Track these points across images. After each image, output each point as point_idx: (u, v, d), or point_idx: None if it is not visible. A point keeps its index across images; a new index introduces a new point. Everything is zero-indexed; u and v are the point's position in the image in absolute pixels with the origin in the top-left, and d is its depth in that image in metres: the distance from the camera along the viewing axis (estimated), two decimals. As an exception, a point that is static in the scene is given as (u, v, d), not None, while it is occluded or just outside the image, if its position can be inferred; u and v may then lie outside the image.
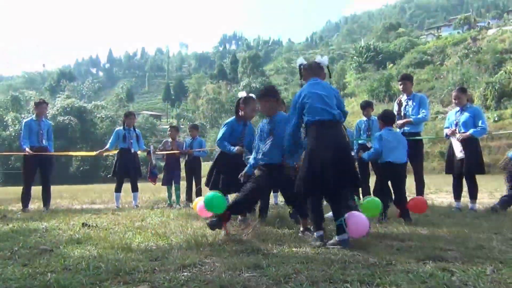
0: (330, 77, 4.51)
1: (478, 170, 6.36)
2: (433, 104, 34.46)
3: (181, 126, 62.72)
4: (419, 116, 6.99)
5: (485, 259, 3.15)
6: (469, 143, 6.28)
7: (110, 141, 8.83)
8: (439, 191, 10.98)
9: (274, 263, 3.08)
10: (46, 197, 8.21)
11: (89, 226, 5.22)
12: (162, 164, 9.97)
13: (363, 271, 2.82)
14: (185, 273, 2.89)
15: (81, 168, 48.75)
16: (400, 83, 7.34)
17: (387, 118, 5.68)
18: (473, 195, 6.37)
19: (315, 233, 4.03)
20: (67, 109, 53.66)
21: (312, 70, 4.32)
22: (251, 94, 5.66)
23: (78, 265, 3.08)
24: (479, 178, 6.57)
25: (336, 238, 3.83)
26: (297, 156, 4.45)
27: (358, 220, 3.92)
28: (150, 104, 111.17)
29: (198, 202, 5.45)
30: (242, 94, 5.70)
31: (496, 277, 2.65)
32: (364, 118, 7.83)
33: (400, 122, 7.02)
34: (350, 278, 2.66)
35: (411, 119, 6.98)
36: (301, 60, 4.50)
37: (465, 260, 3.14)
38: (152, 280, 2.69)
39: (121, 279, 2.71)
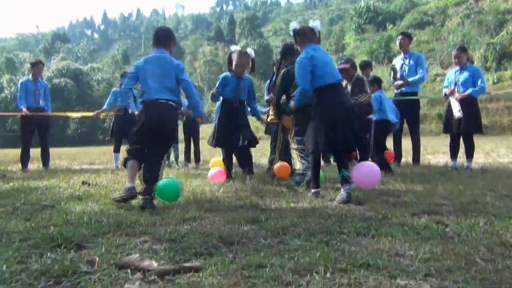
0: (319, 42, 4.48)
1: (475, 129, 6.39)
2: (432, 66, 34.15)
3: (178, 88, 62.11)
4: (416, 77, 6.97)
5: (479, 213, 3.23)
6: (468, 103, 6.28)
7: (107, 101, 8.80)
8: (436, 153, 11.05)
9: (272, 217, 3.15)
10: (45, 158, 8.25)
11: (89, 184, 5.28)
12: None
13: (359, 224, 2.89)
14: (186, 227, 2.96)
15: (79, 130, 48.67)
16: (399, 37, 7.28)
17: (380, 81, 6.45)
18: (469, 154, 6.42)
19: (312, 190, 4.19)
20: (63, 71, 52.97)
21: (306, 35, 4.37)
22: (244, 49, 5.62)
23: (80, 219, 3.14)
24: (476, 139, 6.61)
25: (341, 190, 3.98)
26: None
27: (368, 170, 4.36)
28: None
29: (212, 169, 5.70)
30: (236, 48, 5.65)
31: (489, 229, 2.72)
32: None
33: (398, 83, 7.00)
34: (347, 230, 2.73)
35: (408, 80, 6.96)
36: (294, 25, 4.49)
37: (459, 214, 3.21)
38: (153, 232, 2.75)
39: (123, 232, 2.77)
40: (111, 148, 9.65)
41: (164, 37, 4.20)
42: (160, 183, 3.90)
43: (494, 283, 1.77)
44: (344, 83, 5.41)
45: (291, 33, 4.48)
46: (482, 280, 1.80)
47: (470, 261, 2.06)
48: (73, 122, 48.47)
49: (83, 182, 5.39)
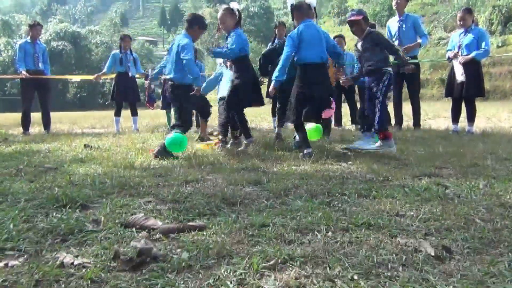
0: (316, 17, 4.70)
1: (478, 93, 6.35)
2: (436, 30, 33.58)
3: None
4: (421, 41, 6.84)
5: (479, 175, 3.25)
6: (471, 66, 6.20)
7: (106, 65, 8.71)
8: (437, 117, 11.04)
9: (274, 179, 3.18)
10: (46, 121, 8.26)
11: (91, 147, 5.31)
12: (159, 91, 9.94)
13: (360, 186, 2.92)
14: (188, 188, 2.99)
15: (79, 95, 48.49)
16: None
17: None
18: (471, 118, 6.41)
19: (305, 150, 4.43)
20: (61, 34, 52.26)
21: (302, 11, 4.57)
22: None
23: (84, 181, 3.17)
24: (478, 104, 6.58)
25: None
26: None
27: None
28: (145, 29, 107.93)
29: None
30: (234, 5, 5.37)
31: (488, 190, 2.75)
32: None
33: (410, 46, 6.82)
34: (348, 191, 2.76)
35: (419, 43, 6.84)
36: (291, 0, 4.66)
37: (459, 176, 3.24)
38: (156, 193, 2.79)
39: (127, 193, 2.81)
40: (112, 113, 9.64)
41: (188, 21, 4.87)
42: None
43: (492, 241, 1.81)
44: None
45: (289, 8, 4.67)
46: (481, 239, 1.83)
47: (470, 221, 2.09)
48: (73, 87, 48.23)
49: (85, 145, 5.41)
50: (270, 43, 8.35)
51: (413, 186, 2.90)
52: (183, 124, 4.75)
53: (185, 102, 4.79)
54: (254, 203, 2.56)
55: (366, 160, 4.03)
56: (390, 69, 4.48)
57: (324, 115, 4.63)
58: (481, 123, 8.42)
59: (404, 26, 6.93)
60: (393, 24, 7.20)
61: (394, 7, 7.23)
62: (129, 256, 1.64)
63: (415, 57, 7.11)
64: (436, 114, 11.83)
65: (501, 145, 5.02)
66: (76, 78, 31.86)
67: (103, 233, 1.99)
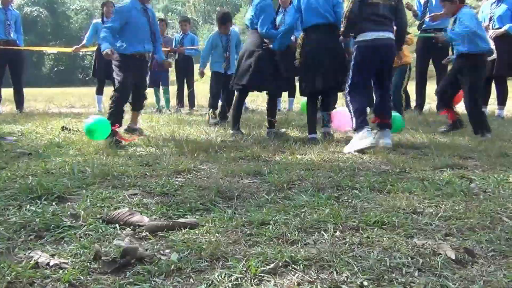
0: None
1: (510, 72, 6.32)
2: (465, -3, 33.24)
3: (169, 21, 61.01)
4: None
5: (508, 167, 3.27)
6: (503, 41, 6.16)
7: (87, 35, 8.65)
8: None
9: (276, 170, 3.20)
10: (18, 99, 8.23)
11: (69, 130, 5.31)
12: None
13: (374, 178, 2.94)
14: (179, 179, 3.01)
15: (56, 69, 48.32)
16: None
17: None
18: (502, 100, 6.41)
19: (308, 135, 4.73)
20: (35, -2, 51.85)
21: None
22: None
23: (61, 169, 3.19)
24: (510, 83, 6.56)
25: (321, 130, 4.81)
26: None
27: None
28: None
29: None
30: None
31: (519, 185, 2.77)
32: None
33: (437, 14, 6.71)
34: (359, 184, 2.78)
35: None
36: None
37: (486, 168, 3.26)
38: (143, 185, 2.80)
39: (110, 183, 2.82)
40: (93, 89, 9.61)
41: None
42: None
43: (521, 244, 1.83)
44: None
45: None
46: (508, 240, 1.85)
47: (496, 219, 2.11)
48: (49, 59, 47.98)
49: (62, 128, 5.42)
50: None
51: (434, 179, 2.92)
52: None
53: None
54: (253, 197, 2.58)
55: (379, 149, 4.03)
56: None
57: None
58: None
59: None
60: None
61: None
62: (111, 257, 1.66)
63: (445, 30, 7.04)
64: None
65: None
66: (53, 50, 31.67)
67: (83, 229, 2.00)
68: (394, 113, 4.66)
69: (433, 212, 2.22)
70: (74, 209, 2.27)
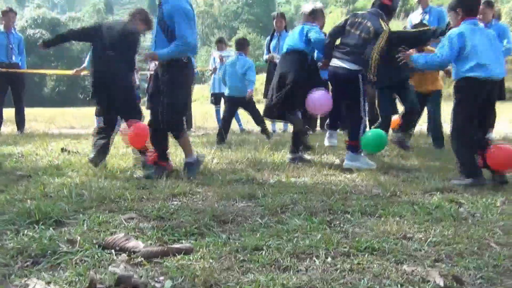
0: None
1: (498, 96, 6.36)
2: (454, 21, 33.64)
3: (168, 43, 61.34)
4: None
5: (497, 191, 3.28)
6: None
7: (87, 58, 8.69)
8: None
9: (270, 193, 3.20)
10: (19, 120, 8.23)
11: (68, 151, 5.31)
12: (146, 86, 9.91)
13: (365, 202, 2.94)
14: (175, 202, 3.01)
15: (57, 89, 48.37)
16: None
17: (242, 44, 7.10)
18: (490, 123, 6.44)
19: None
20: (38, 21, 52.18)
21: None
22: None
23: (59, 192, 3.18)
24: (498, 104, 6.59)
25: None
26: None
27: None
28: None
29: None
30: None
31: (507, 209, 2.77)
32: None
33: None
34: (351, 208, 2.78)
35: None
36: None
37: (475, 192, 3.26)
38: (139, 208, 2.79)
39: (106, 207, 2.81)
40: (93, 109, 9.61)
41: None
42: None
43: (508, 270, 1.83)
44: None
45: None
46: (496, 267, 1.85)
47: (484, 245, 2.11)
48: (50, 80, 48.09)
49: (62, 149, 5.41)
50: (269, 37, 8.40)
51: (424, 203, 2.92)
52: None
53: None
54: (247, 221, 2.58)
55: (372, 171, 4.04)
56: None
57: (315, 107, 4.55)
58: (502, 127, 8.43)
59: (427, 18, 6.93)
60: (415, 17, 7.20)
61: (415, 1, 7.27)
62: (106, 285, 1.65)
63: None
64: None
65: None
66: (54, 73, 31.74)
67: (79, 255, 1.99)
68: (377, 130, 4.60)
69: (423, 238, 2.22)
70: (71, 234, 2.26)
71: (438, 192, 3.25)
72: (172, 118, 3.88)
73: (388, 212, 2.68)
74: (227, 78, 6.82)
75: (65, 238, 2.20)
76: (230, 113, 6.93)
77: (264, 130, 6.91)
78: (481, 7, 6.41)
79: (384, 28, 4.29)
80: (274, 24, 8.02)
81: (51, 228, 2.38)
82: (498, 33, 6.27)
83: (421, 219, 2.55)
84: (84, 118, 14.16)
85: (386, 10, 4.48)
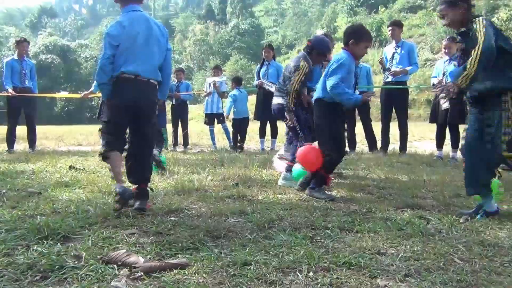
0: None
1: (462, 120, 6.46)
2: (423, 51, 34.14)
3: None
4: (408, 68, 6.96)
5: (461, 207, 3.31)
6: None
7: (94, 83, 8.68)
8: (423, 139, 11.18)
9: (258, 210, 3.20)
10: (31, 138, 8.19)
11: (76, 169, 5.28)
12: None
13: (344, 218, 2.95)
14: (172, 218, 2.99)
15: (66, 108, 48.20)
16: (389, 29, 7.28)
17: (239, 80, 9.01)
18: (455, 144, 6.52)
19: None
20: (50, 47, 52.17)
21: None
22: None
23: (67, 208, 3.15)
24: (462, 127, 6.68)
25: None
26: None
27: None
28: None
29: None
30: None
31: (469, 225, 2.79)
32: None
33: (397, 70, 6.93)
34: (331, 224, 2.78)
35: (407, 70, 6.93)
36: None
37: (441, 208, 3.29)
38: (140, 224, 2.78)
39: (110, 223, 2.79)
40: (97, 127, 9.57)
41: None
42: None
43: (470, 285, 1.84)
44: None
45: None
46: (459, 282, 1.86)
47: (449, 260, 2.12)
48: (60, 100, 47.92)
49: (70, 167, 5.38)
50: (259, 65, 8.49)
51: (396, 219, 2.94)
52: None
53: None
54: (237, 236, 2.57)
55: (350, 188, 4.06)
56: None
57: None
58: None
59: (399, 51, 7.05)
60: (390, 50, 7.32)
61: (389, 35, 7.40)
62: (108, 300, 1.63)
63: (405, 83, 7.24)
64: (423, 136, 11.98)
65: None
66: (63, 96, 31.62)
67: (84, 270, 1.97)
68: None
69: (395, 253, 2.23)
70: (77, 250, 2.23)
71: (409, 209, 3.26)
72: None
73: (364, 228, 2.69)
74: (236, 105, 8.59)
75: (72, 253, 2.18)
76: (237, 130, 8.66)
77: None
78: (446, 42, 6.58)
79: (301, 65, 4.37)
80: (263, 54, 8.14)
81: (59, 244, 2.36)
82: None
83: (394, 235, 2.56)
84: (90, 135, 14.08)
85: (310, 48, 4.53)
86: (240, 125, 8.65)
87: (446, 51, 6.56)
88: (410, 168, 5.56)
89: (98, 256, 2.14)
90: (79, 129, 22.66)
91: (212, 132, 9.31)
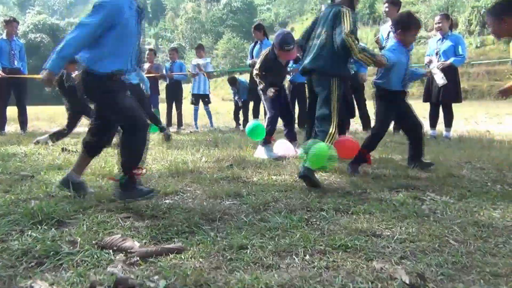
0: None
1: (455, 99, 6.47)
2: (416, 29, 33.98)
3: (160, 47, 60.90)
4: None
5: (454, 188, 3.32)
6: (448, 72, 6.28)
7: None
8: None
9: (253, 191, 3.19)
10: (22, 120, 8.09)
11: (69, 151, 5.22)
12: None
13: (339, 200, 2.95)
14: (167, 201, 2.98)
15: (57, 88, 47.62)
16: (385, 6, 7.15)
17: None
18: (448, 123, 6.53)
19: None
20: (39, 26, 51.27)
21: None
22: None
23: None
24: (455, 104, 6.68)
25: None
26: None
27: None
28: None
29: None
30: None
31: (463, 206, 2.81)
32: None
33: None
34: (327, 206, 2.78)
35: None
36: None
37: (435, 189, 3.30)
38: (135, 208, 2.76)
39: (104, 207, 2.77)
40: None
41: None
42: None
43: (465, 267, 1.85)
44: None
45: None
46: (455, 264, 1.87)
47: (444, 242, 2.14)
48: (51, 80, 47.36)
49: (62, 149, 5.33)
50: (252, 44, 8.41)
51: (391, 200, 2.94)
52: None
53: None
54: (233, 219, 2.56)
55: (345, 169, 4.05)
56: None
57: None
58: (458, 125, 8.57)
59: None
60: (386, 28, 7.22)
61: (383, 14, 7.30)
62: (105, 286, 1.62)
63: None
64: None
65: (476, 151, 5.13)
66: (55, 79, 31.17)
67: (79, 255, 1.95)
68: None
69: (390, 235, 2.23)
70: (72, 235, 2.21)
71: (403, 189, 3.27)
72: None
73: (359, 210, 2.69)
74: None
75: (67, 238, 2.16)
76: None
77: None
78: (438, 19, 6.50)
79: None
80: (253, 35, 8.13)
81: (53, 229, 2.33)
82: (455, 43, 6.36)
83: (389, 216, 2.57)
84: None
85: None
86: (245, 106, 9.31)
87: (438, 26, 6.48)
88: (403, 147, 5.54)
89: (94, 241, 2.13)
90: (71, 109, 22.42)
91: (196, 112, 9.33)
